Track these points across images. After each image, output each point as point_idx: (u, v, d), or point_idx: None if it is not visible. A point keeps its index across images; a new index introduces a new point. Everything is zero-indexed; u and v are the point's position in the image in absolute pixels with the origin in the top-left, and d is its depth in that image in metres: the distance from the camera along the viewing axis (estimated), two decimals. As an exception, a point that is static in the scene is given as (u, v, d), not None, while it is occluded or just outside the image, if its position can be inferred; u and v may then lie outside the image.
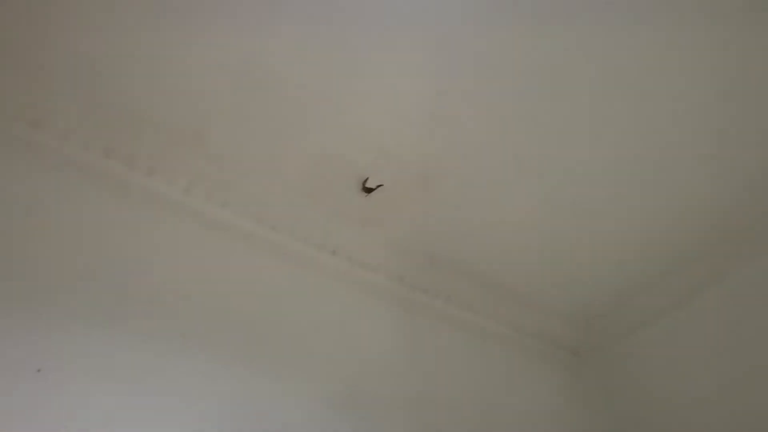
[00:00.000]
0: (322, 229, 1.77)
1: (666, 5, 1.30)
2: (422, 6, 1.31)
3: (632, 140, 1.56)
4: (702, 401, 1.71)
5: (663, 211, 1.72)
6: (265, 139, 1.60)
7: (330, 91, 1.46)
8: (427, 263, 1.93)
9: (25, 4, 1.30)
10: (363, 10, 1.31)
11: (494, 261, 1.94)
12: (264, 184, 1.70)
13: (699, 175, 1.63)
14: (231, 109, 1.51)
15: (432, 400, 1.65)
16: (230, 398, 1.31)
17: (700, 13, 1.30)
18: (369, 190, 1.68)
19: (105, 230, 1.42)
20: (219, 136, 1.59)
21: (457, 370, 1.84)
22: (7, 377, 1.09)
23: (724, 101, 1.47)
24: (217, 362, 1.35)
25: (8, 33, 1.35)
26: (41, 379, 1.12)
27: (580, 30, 1.32)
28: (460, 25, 1.34)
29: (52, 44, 1.39)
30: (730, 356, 1.68)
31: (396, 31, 1.35)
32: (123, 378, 1.22)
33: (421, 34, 1.34)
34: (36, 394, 1.10)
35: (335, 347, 1.60)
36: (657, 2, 1.29)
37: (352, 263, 1.80)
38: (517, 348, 2.04)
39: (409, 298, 1.86)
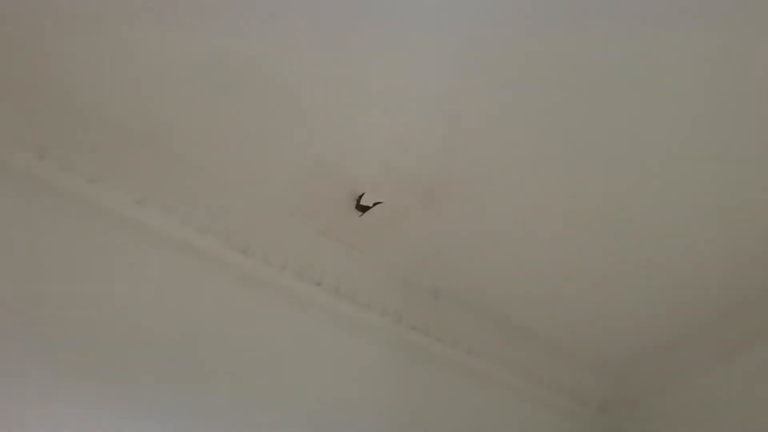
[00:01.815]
0: (305, 255, 1.60)
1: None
2: (434, 5, 1.17)
3: (680, 177, 1.41)
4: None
5: (710, 260, 1.60)
6: (239, 145, 1.44)
7: (320, 92, 1.31)
8: (431, 299, 1.79)
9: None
10: (367, 4, 1.16)
11: (511, 299, 1.79)
12: (235, 198, 1.54)
13: (745, 229, 1.50)
14: (200, 112, 1.37)
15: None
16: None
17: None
18: (364, 209, 1.53)
19: (33, 243, 1.29)
20: (183, 143, 1.44)
21: (465, 428, 1.70)
22: None
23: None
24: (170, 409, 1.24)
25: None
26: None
27: (618, 32, 1.16)
28: (483, 26, 1.19)
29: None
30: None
31: (401, 28, 1.20)
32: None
33: (434, 34, 1.20)
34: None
35: (318, 399, 1.46)
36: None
37: (341, 297, 1.62)
38: (536, 403, 1.89)
39: (409, 341, 1.71)
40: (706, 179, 1.41)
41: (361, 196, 1.51)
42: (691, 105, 1.28)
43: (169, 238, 1.43)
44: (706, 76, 1.23)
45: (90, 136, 1.40)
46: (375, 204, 1.52)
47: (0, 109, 1.33)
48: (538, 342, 1.91)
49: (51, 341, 1.19)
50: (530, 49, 1.20)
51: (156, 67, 1.28)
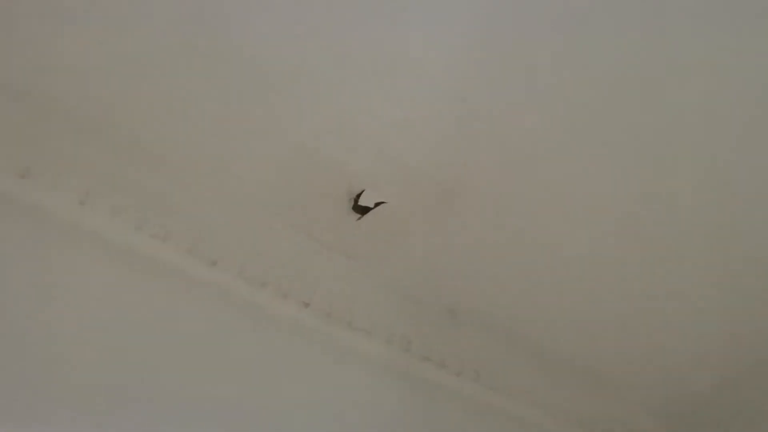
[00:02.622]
0: (289, 268, 1.45)
1: None
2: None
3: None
4: None
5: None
6: (207, 133, 1.31)
7: (307, 67, 1.20)
8: (447, 322, 1.67)
9: None
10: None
11: (546, 323, 1.68)
12: (202, 197, 1.38)
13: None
14: (160, 95, 1.25)
15: None
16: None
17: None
18: (363, 210, 1.42)
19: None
20: (139, 130, 1.30)
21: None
22: None
23: None
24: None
25: None
26: None
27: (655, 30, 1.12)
28: None
29: None
30: None
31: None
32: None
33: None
34: None
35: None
36: None
37: (334, 320, 1.48)
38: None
39: (419, 375, 1.57)
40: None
41: (359, 195, 1.40)
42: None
43: (120, 245, 1.28)
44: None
45: (23, 121, 1.26)
46: (377, 204, 1.41)
47: None
48: (582, 376, 1.79)
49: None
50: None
51: (106, 44, 1.18)
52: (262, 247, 1.42)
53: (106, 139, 1.29)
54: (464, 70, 1.19)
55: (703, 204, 1.38)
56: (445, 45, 1.17)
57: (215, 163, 1.34)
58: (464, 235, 1.47)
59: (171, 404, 1.20)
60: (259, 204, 1.41)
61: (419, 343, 1.58)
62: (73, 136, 1.27)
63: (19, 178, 1.21)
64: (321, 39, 1.16)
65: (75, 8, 1.14)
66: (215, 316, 1.32)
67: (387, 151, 1.33)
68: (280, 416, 1.32)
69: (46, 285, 1.19)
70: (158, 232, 1.30)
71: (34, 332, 1.13)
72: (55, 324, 1.16)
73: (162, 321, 1.27)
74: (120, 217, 1.27)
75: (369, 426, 1.42)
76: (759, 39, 1.12)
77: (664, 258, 1.49)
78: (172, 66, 1.19)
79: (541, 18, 1.12)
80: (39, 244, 1.22)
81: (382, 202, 1.40)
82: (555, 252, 1.49)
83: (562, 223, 1.42)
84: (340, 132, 1.30)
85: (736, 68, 1.18)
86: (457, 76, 1.20)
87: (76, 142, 1.28)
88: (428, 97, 1.25)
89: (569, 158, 1.31)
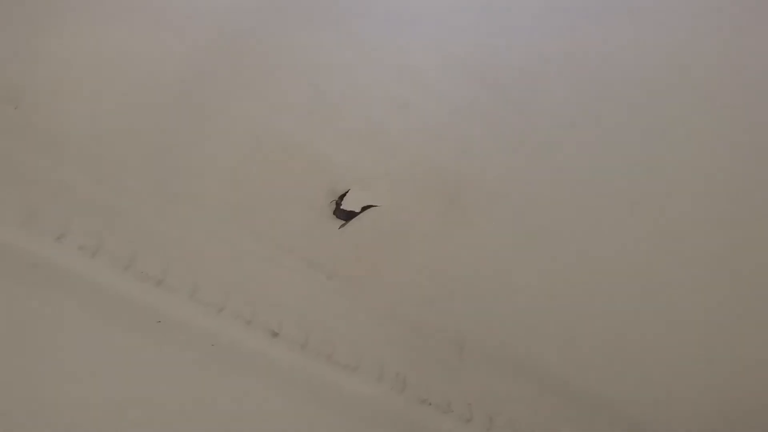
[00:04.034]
0: (253, 288, 1.29)
1: None
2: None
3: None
4: None
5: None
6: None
7: (293, 40, 1.16)
8: (452, 357, 1.50)
9: None
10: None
11: (571, 357, 1.53)
12: (146, 199, 1.20)
13: None
14: None
15: None
16: None
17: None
18: (347, 216, 1.28)
19: None
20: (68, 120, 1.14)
21: None
22: None
23: None
24: None
25: None
26: None
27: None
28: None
29: None
30: None
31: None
32: None
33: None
34: None
35: None
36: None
37: (311, 353, 1.31)
38: None
39: (417, 421, 1.40)
40: None
41: (342, 196, 1.25)
42: None
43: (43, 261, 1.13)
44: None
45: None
46: (364, 209, 1.27)
47: None
48: (611, 417, 1.63)
49: None
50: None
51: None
52: (219, 262, 1.25)
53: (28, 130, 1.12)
54: (475, 46, 1.17)
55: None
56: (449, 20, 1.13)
57: (164, 159, 1.17)
58: (475, 250, 1.35)
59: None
60: (216, 208, 1.24)
61: (417, 383, 1.42)
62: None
63: None
64: (316, 21, 1.09)
65: None
66: (162, 346, 1.18)
67: (383, 145, 1.20)
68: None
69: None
70: (90, 243, 1.14)
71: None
72: None
73: (98, 348, 1.13)
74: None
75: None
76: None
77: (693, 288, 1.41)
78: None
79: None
80: None
81: (371, 206, 1.26)
82: (577, 276, 1.41)
83: (600, 237, 1.35)
84: (319, 117, 1.16)
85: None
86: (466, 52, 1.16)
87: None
88: (440, 87, 1.17)
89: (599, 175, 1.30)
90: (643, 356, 1.59)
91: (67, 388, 1.12)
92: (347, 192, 1.27)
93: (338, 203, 1.25)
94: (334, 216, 1.27)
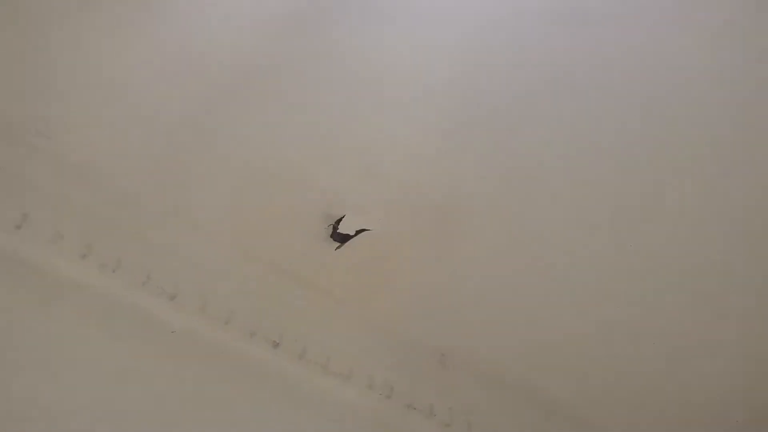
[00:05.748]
0: (255, 303, 1.36)
1: None
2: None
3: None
4: None
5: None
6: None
7: (284, 63, 1.22)
8: (435, 366, 1.57)
9: None
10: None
11: (549, 368, 1.56)
12: (148, 218, 1.27)
13: None
14: None
15: None
16: None
17: None
18: (343, 239, 1.34)
19: None
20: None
21: None
22: None
23: None
24: None
25: None
26: None
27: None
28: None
29: None
30: None
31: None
32: None
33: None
34: None
35: None
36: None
37: (308, 363, 1.38)
38: None
39: (403, 425, 1.47)
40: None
41: (339, 221, 1.31)
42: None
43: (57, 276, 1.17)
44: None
45: None
46: (359, 232, 1.32)
47: None
48: (586, 427, 1.67)
49: None
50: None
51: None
52: (222, 278, 1.32)
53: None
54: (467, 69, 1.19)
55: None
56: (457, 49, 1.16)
57: (164, 178, 1.24)
58: (461, 269, 1.42)
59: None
60: (217, 228, 1.31)
61: (403, 390, 1.48)
62: None
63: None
64: (309, 43, 1.14)
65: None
66: (168, 356, 1.22)
67: (374, 170, 1.26)
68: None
69: None
70: (88, 255, 1.19)
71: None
72: None
73: (100, 357, 1.16)
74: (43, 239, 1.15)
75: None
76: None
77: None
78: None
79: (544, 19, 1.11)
80: None
81: (364, 230, 1.32)
82: (562, 286, 1.43)
83: (578, 251, 1.37)
84: (323, 146, 1.24)
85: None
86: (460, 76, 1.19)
87: None
88: (430, 113, 1.21)
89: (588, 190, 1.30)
90: (626, 369, 1.59)
91: (69, 396, 1.13)
92: (341, 218, 1.32)
93: (335, 227, 1.32)
94: (331, 239, 1.32)
